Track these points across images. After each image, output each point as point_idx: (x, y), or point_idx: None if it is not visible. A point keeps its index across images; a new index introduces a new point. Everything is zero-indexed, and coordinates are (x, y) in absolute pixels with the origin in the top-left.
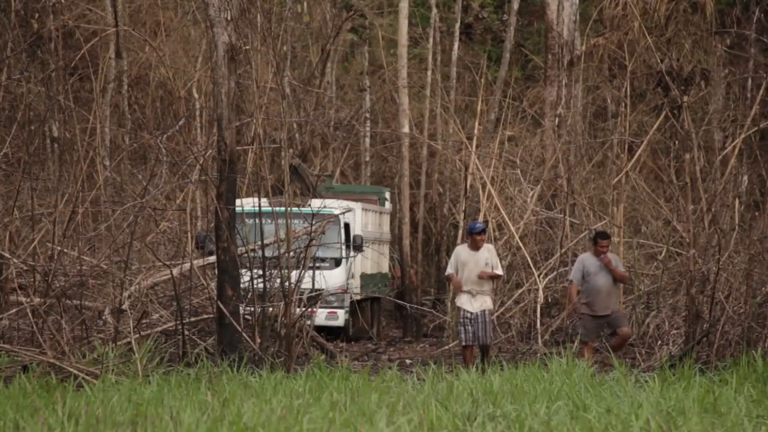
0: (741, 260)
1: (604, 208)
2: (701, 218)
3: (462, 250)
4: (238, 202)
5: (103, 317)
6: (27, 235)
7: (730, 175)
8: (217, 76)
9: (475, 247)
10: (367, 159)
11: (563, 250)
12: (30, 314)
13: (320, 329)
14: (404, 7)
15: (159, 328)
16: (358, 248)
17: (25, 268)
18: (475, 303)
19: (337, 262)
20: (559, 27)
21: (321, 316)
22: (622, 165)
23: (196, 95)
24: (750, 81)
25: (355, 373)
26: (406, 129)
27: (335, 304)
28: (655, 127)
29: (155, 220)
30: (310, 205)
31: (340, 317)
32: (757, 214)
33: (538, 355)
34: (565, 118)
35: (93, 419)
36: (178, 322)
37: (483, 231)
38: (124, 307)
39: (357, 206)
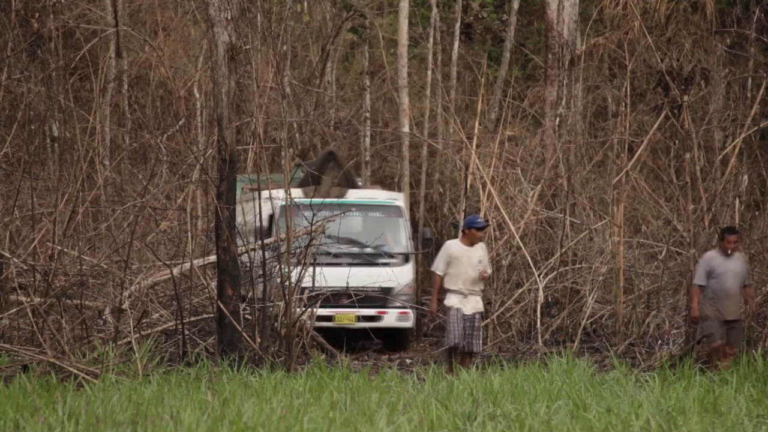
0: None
1: (604, 207)
2: (701, 218)
3: (454, 245)
4: (281, 193)
5: (104, 317)
6: (27, 234)
7: (730, 174)
8: (217, 75)
9: (470, 243)
10: (367, 159)
11: (563, 250)
12: (30, 314)
13: (385, 331)
14: (404, 6)
15: (159, 328)
16: (428, 242)
17: (25, 267)
18: (467, 304)
19: (405, 258)
20: (560, 27)
21: (391, 317)
22: (622, 165)
23: (196, 95)
24: (750, 81)
25: (355, 373)
26: (406, 129)
27: (407, 304)
28: (655, 126)
29: (155, 219)
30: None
31: (411, 318)
32: (757, 213)
33: (539, 354)
34: (565, 117)
35: (93, 419)
36: (178, 321)
37: (485, 227)
38: (124, 306)
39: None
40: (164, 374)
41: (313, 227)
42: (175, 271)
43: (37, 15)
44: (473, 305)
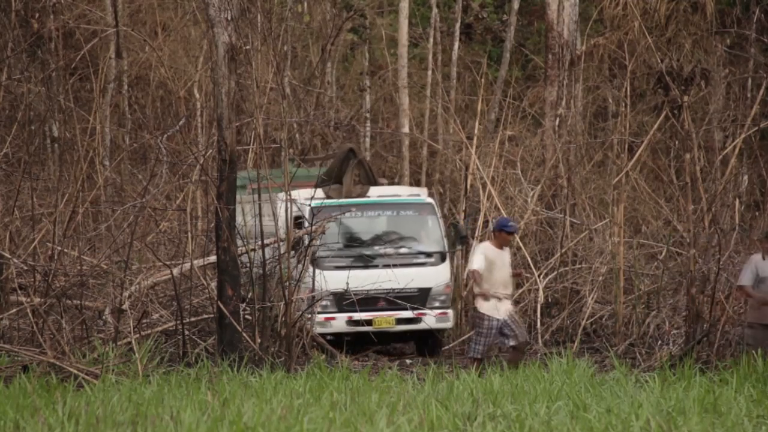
0: (741, 260)
1: (604, 208)
2: (701, 218)
3: (489, 248)
4: (302, 192)
5: (104, 317)
6: (27, 235)
7: (730, 175)
8: (218, 76)
9: (500, 245)
10: (368, 159)
11: (563, 250)
12: (30, 314)
13: (423, 333)
14: (404, 7)
15: (159, 328)
16: (463, 240)
17: (25, 268)
18: (501, 308)
19: (442, 257)
20: (560, 27)
21: (431, 319)
22: (622, 165)
23: (196, 95)
24: (750, 81)
25: (355, 373)
26: (406, 129)
27: (446, 305)
28: (656, 127)
29: (155, 220)
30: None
31: (451, 318)
32: (757, 214)
33: (539, 355)
34: (565, 118)
35: (93, 419)
36: (178, 322)
37: (516, 231)
38: (124, 307)
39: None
40: (164, 374)
41: (314, 227)
42: (175, 271)
43: (37, 15)
44: (506, 309)
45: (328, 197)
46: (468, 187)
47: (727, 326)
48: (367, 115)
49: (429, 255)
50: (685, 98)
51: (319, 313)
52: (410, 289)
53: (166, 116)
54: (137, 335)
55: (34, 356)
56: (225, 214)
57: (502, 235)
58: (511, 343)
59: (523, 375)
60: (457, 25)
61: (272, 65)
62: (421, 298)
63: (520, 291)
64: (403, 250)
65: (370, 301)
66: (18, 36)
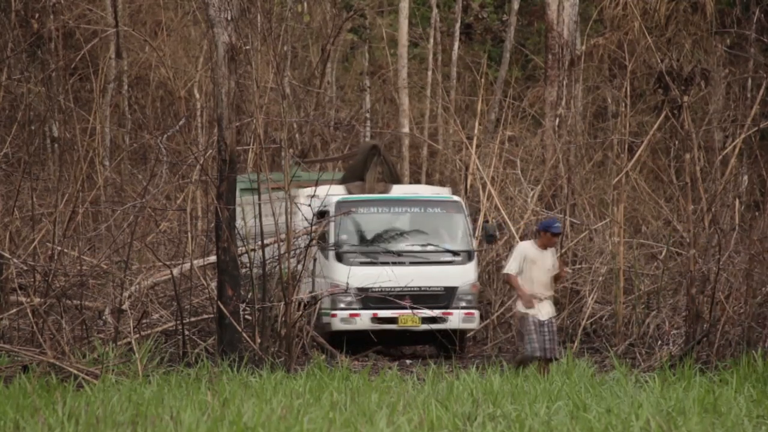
0: (741, 260)
1: (604, 208)
2: (701, 218)
3: (529, 248)
4: (325, 190)
5: (103, 317)
6: (27, 235)
7: (730, 175)
8: (218, 76)
9: (544, 246)
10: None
11: (563, 251)
12: (30, 314)
13: (448, 333)
14: (404, 7)
15: (159, 328)
16: (492, 239)
17: (25, 268)
18: (542, 309)
19: (469, 256)
20: (560, 27)
21: (457, 319)
22: (622, 165)
23: (196, 95)
24: (750, 81)
25: (355, 373)
26: (406, 129)
27: (473, 305)
28: (656, 127)
29: (155, 220)
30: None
31: (477, 319)
32: (757, 214)
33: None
34: (565, 118)
35: (93, 419)
36: (178, 322)
37: (561, 232)
38: (124, 307)
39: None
40: (164, 375)
41: (313, 227)
42: (175, 271)
43: (37, 15)
44: (548, 310)
45: (350, 193)
46: (468, 187)
47: (727, 326)
48: (367, 115)
49: (456, 254)
50: (685, 98)
51: (343, 309)
52: (436, 287)
53: (166, 116)
54: (137, 335)
55: (34, 356)
56: (225, 214)
57: (546, 235)
58: (538, 354)
59: (523, 375)
60: (457, 25)
61: (272, 65)
62: (447, 297)
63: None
64: (429, 248)
65: (395, 298)
66: (18, 36)
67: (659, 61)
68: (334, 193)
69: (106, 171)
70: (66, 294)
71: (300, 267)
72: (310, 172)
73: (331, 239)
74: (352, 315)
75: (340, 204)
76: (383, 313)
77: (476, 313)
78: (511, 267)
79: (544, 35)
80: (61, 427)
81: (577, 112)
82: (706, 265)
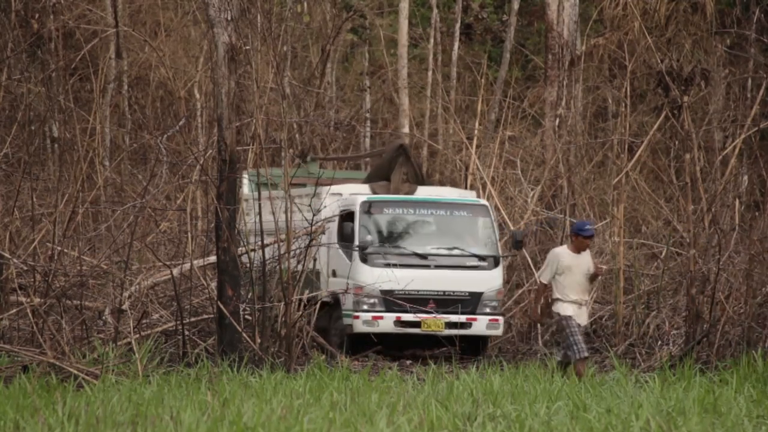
0: (741, 260)
1: (604, 208)
2: (701, 218)
3: (564, 253)
4: (348, 188)
5: (103, 317)
6: (27, 235)
7: (730, 175)
8: (218, 76)
9: (578, 249)
10: (368, 159)
11: None
12: (30, 314)
13: (471, 339)
14: (404, 7)
15: (159, 328)
16: (519, 245)
17: (25, 268)
18: (582, 315)
19: (495, 261)
20: (560, 27)
21: (482, 324)
22: (622, 165)
23: (196, 95)
24: (750, 81)
25: (355, 374)
26: (406, 129)
27: (498, 311)
28: (656, 127)
29: (155, 220)
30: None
31: (501, 325)
32: (757, 214)
33: (538, 355)
34: (565, 118)
35: (93, 419)
36: (178, 322)
37: (593, 235)
38: (124, 307)
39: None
40: (164, 375)
41: (313, 227)
42: (175, 271)
43: (37, 15)
44: (585, 317)
45: (375, 193)
46: (468, 187)
47: (727, 326)
48: (367, 115)
49: (482, 258)
50: (685, 98)
51: (366, 311)
52: (461, 292)
53: (166, 116)
54: (137, 335)
55: (34, 356)
56: (225, 215)
57: (578, 239)
58: (559, 357)
59: (523, 375)
60: (457, 26)
61: (272, 65)
62: (472, 302)
63: (520, 291)
64: (455, 252)
65: (419, 302)
66: (18, 36)
67: (659, 61)
68: (358, 192)
69: (106, 171)
70: (66, 294)
71: (300, 267)
72: (325, 170)
73: (356, 240)
74: (374, 317)
75: (365, 204)
76: (407, 317)
77: (501, 319)
78: (544, 275)
79: (544, 35)
80: (61, 427)
81: (577, 112)
82: (706, 265)
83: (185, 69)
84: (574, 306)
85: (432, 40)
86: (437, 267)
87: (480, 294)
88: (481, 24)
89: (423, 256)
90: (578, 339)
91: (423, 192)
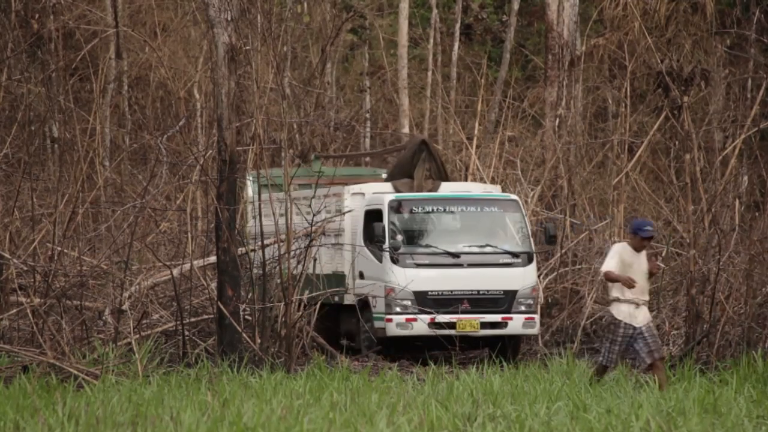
0: (741, 260)
1: (604, 208)
2: (701, 218)
3: (625, 250)
4: (370, 187)
5: (104, 317)
6: (27, 235)
7: (730, 175)
8: (218, 76)
9: (638, 248)
10: (367, 159)
11: (563, 251)
12: (30, 314)
13: (505, 339)
14: (404, 7)
15: (159, 329)
16: (553, 240)
17: (25, 268)
18: (639, 315)
19: (529, 258)
20: (560, 27)
21: (517, 324)
22: (622, 165)
23: (196, 96)
24: (750, 81)
25: (355, 374)
26: (406, 129)
27: (533, 309)
28: (656, 127)
29: (155, 220)
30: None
31: (537, 324)
32: (757, 214)
33: (539, 355)
34: (565, 118)
35: (93, 419)
36: (178, 322)
37: (651, 237)
38: (124, 307)
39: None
40: (164, 375)
41: (313, 228)
42: (175, 271)
43: (37, 16)
44: (645, 316)
45: (397, 191)
46: None
47: (727, 326)
48: (367, 115)
49: (516, 255)
50: (685, 99)
51: (399, 313)
52: (495, 291)
53: (166, 116)
54: (137, 336)
55: (34, 357)
56: (225, 215)
57: (637, 238)
58: (647, 360)
59: (523, 375)
60: (457, 26)
61: (272, 66)
62: (506, 301)
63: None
64: (488, 249)
65: (453, 302)
66: (18, 36)
67: (659, 61)
68: (381, 191)
69: (106, 171)
70: (66, 294)
71: (300, 267)
72: (325, 168)
73: (387, 240)
74: (408, 320)
75: (394, 202)
76: (441, 318)
77: (537, 317)
78: (608, 264)
79: (544, 35)
80: (61, 428)
81: (577, 112)
82: (706, 265)
83: (185, 69)
84: (630, 307)
85: (432, 41)
86: (470, 266)
87: (515, 292)
88: (481, 24)
89: (455, 255)
90: (614, 349)
91: (446, 188)
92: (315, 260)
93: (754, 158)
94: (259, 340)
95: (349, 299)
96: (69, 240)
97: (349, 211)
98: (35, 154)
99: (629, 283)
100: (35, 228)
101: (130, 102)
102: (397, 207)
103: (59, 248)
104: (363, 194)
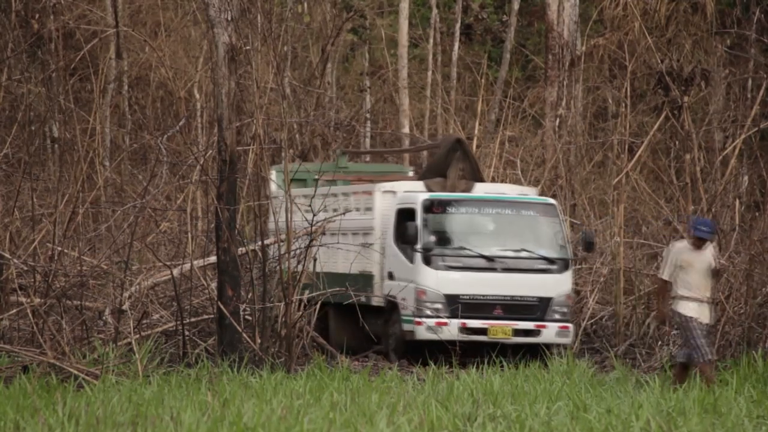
0: (741, 260)
1: (604, 208)
2: None
3: (683, 249)
4: (402, 185)
5: (104, 317)
6: (27, 235)
7: (730, 175)
8: (218, 76)
9: (698, 246)
10: (368, 159)
11: None
12: (30, 314)
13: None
14: (404, 7)
15: (159, 329)
16: (591, 246)
17: (26, 268)
18: (704, 312)
19: (565, 264)
20: (560, 27)
21: (551, 332)
22: (622, 165)
23: (196, 96)
24: (750, 81)
25: (356, 374)
26: (406, 129)
27: (568, 318)
28: (656, 127)
29: (155, 220)
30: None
31: (572, 333)
32: (757, 214)
33: (538, 355)
34: (565, 118)
35: (93, 419)
36: (178, 322)
37: (708, 239)
38: (124, 307)
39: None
40: (164, 375)
41: (314, 228)
42: (176, 271)
43: (37, 16)
44: (709, 314)
45: (430, 190)
46: None
47: (727, 326)
48: (367, 115)
49: (551, 261)
50: (685, 99)
51: (429, 316)
52: (529, 297)
53: (166, 116)
54: (137, 336)
55: (34, 357)
56: (225, 215)
57: (695, 237)
58: (681, 359)
59: (524, 375)
60: (457, 26)
61: (272, 66)
62: (540, 308)
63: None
64: (523, 254)
65: (485, 307)
66: (18, 36)
67: (659, 61)
68: (414, 190)
69: (106, 171)
70: (66, 294)
71: (300, 267)
72: (351, 165)
73: (419, 241)
74: (438, 323)
75: (427, 202)
76: (472, 323)
77: (571, 327)
78: (664, 272)
79: (544, 35)
80: (61, 428)
81: (577, 112)
82: None
83: (185, 69)
84: (694, 304)
85: (432, 41)
86: (504, 270)
87: (549, 299)
88: (481, 24)
89: (489, 259)
90: (702, 342)
91: (480, 189)
92: (315, 260)
93: (754, 158)
94: (259, 340)
95: (377, 300)
96: (69, 240)
97: (406, 211)
98: (35, 154)
99: (659, 318)
100: (35, 228)
101: (130, 102)
102: (430, 206)
103: (59, 248)
104: (394, 193)
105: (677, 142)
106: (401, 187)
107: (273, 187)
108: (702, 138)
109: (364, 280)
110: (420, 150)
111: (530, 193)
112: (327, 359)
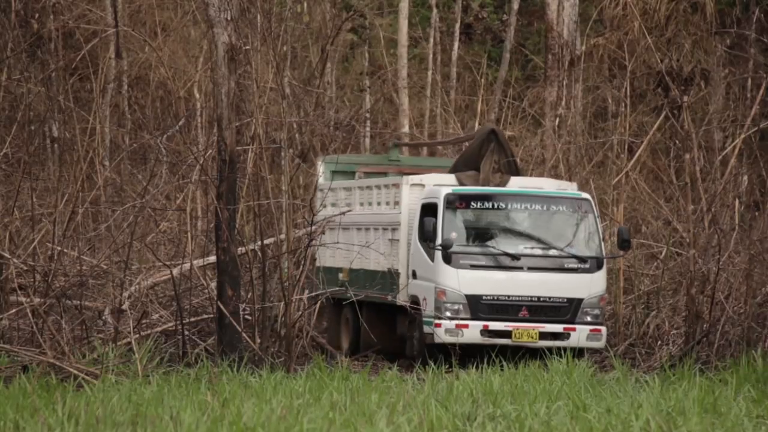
0: (741, 260)
1: (604, 208)
2: (701, 218)
3: None
4: (431, 178)
5: (103, 317)
6: (27, 235)
7: (730, 175)
8: (217, 76)
9: None
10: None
11: None
12: (30, 314)
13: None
14: (404, 7)
15: (159, 328)
16: (627, 245)
17: (25, 268)
18: None
19: (598, 264)
20: (559, 27)
21: (581, 335)
22: (622, 165)
23: (196, 95)
24: (750, 81)
25: (355, 374)
26: (406, 129)
27: (600, 320)
28: (655, 127)
29: (155, 220)
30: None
31: (604, 336)
32: (757, 214)
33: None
34: (565, 118)
35: (93, 419)
36: (178, 322)
37: None
38: (124, 307)
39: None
40: (164, 375)
41: (314, 228)
42: (175, 271)
43: (37, 15)
44: None
45: (461, 184)
46: None
47: (727, 326)
48: (367, 115)
49: (583, 260)
50: (685, 98)
51: (450, 318)
52: (558, 298)
53: (166, 116)
54: (137, 335)
55: (34, 356)
56: (225, 215)
57: None
58: None
59: (523, 375)
60: (457, 26)
61: (272, 65)
62: (570, 310)
63: None
64: (552, 252)
65: (510, 309)
66: (18, 36)
67: (659, 61)
68: (442, 183)
69: (106, 171)
70: (66, 294)
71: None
72: (411, 157)
73: (438, 237)
74: (459, 326)
75: (450, 196)
76: (495, 325)
77: (604, 330)
78: None
79: (544, 35)
80: (61, 427)
81: (576, 112)
82: (706, 265)
83: (185, 69)
84: None
85: (432, 40)
86: (531, 269)
87: (580, 300)
88: (481, 24)
89: (515, 257)
90: None
91: (516, 183)
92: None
93: (754, 158)
94: (259, 340)
95: (401, 300)
96: (69, 240)
97: (430, 205)
98: (35, 154)
99: None
100: (35, 228)
101: (130, 102)
102: (453, 201)
103: (59, 248)
104: (423, 186)
105: (677, 142)
106: (431, 180)
107: (320, 179)
108: (702, 138)
109: (392, 278)
110: (463, 141)
111: (569, 188)
112: (327, 359)
